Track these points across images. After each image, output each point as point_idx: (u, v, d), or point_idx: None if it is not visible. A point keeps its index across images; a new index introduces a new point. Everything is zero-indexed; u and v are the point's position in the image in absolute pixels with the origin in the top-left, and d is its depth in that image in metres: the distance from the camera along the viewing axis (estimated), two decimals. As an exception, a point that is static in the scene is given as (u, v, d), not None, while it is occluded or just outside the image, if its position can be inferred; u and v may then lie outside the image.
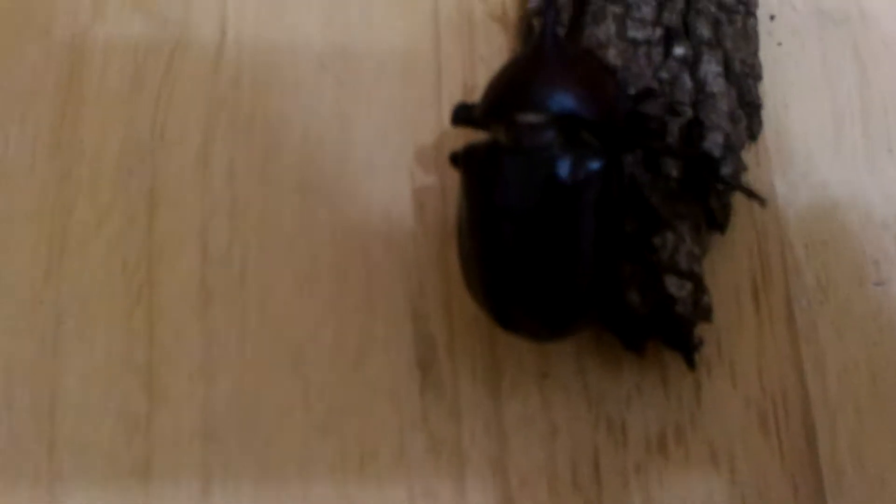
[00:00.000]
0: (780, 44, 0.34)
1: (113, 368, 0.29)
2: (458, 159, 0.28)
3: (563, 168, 0.25)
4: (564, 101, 0.26)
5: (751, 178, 0.32)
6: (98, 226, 0.31)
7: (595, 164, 0.26)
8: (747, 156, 0.32)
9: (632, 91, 0.30)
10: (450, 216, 0.31)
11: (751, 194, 0.28)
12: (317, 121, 0.32)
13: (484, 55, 0.33)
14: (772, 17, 0.35)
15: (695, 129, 0.30)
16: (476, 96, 0.28)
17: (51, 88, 0.32)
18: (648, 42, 0.31)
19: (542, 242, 0.26)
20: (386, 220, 0.31)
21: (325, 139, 0.32)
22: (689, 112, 0.30)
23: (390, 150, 0.32)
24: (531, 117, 0.26)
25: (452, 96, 0.32)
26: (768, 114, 0.33)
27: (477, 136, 0.28)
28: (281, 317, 0.30)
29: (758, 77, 0.32)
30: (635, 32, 0.31)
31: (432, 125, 0.32)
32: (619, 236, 0.27)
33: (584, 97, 0.26)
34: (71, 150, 0.31)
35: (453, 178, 0.29)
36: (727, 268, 0.31)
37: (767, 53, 0.34)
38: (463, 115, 0.28)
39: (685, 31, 0.31)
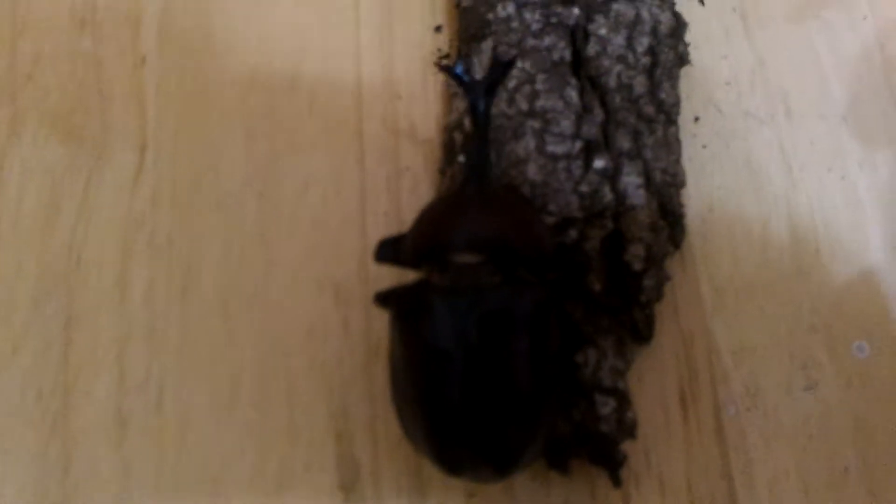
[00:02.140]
0: (704, 146, 0.35)
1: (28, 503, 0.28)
2: (387, 300, 0.27)
3: (504, 304, 0.25)
4: (500, 239, 0.26)
5: (676, 286, 0.32)
6: (13, 353, 0.30)
7: (535, 298, 0.26)
8: (672, 263, 0.32)
9: (552, 219, 0.29)
10: (374, 336, 0.31)
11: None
12: (238, 238, 0.32)
13: (409, 167, 0.33)
14: (696, 119, 0.35)
15: (616, 240, 0.30)
16: (399, 215, 0.28)
17: (-36, 215, 0.31)
18: (568, 156, 0.31)
19: (486, 381, 0.25)
20: (309, 340, 0.31)
21: (246, 258, 0.32)
22: (610, 225, 0.30)
23: (314, 269, 0.32)
24: (468, 258, 0.26)
25: (377, 213, 0.32)
26: (694, 218, 0.33)
27: (402, 272, 0.28)
28: (199, 444, 0.30)
29: (680, 185, 0.32)
30: (555, 147, 0.31)
31: (356, 242, 0.32)
32: (559, 366, 0.27)
33: (518, 234, 0.26)
34: (-15, 279, 0.31)
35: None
36: (654, 377, 0.31)
37: (692, 156, 0.34)
38: (389, 254, 0.28)
39: (605, 144, 0.31)
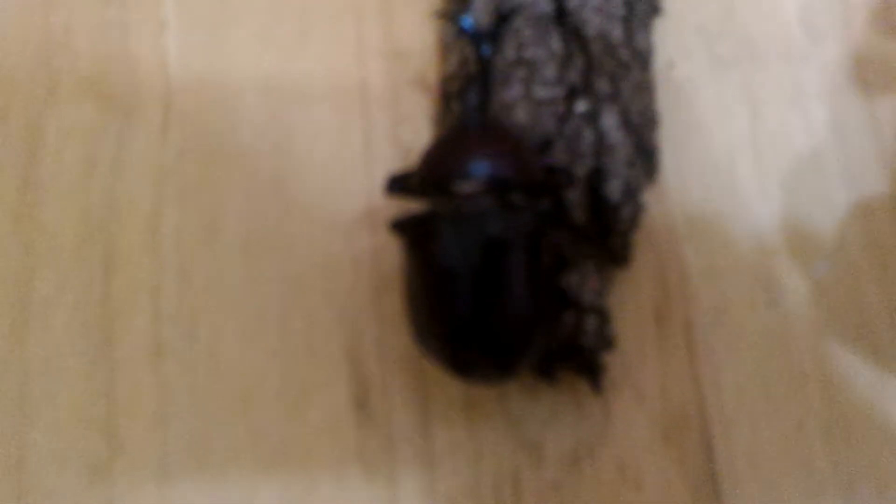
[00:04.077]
0: (677, 88, 0.37)
1: (75, 421, 0.32)
2: (401, 227, 0.31)
3: (500, 228, 0.29)
4: (494, 169, 0.29)
5: (651, 215, 0.35)
6: (59, 292, 0.34)
7: (528, 221, 0.29)
8: (649, 195, 0.35)
9: (535, 145, 0.33)
10: (382, 269, 0.34)
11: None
12: (256, 186, 0.35)
13: (408, 116, 0.36)
14: (669, 64, 0.38)
15: (597, 175, 0.34)
16: (401, 161, 0.33)
17: (9, 170, 0.35)
18: (553, 100, 0.34)
19: (488, 294, 0.29)
20: (324, 275, 0.34)
21: (265, 203, 0.35)
22: (590, 162, 0.34)
23: (326, 211, 0.35)
24: (468, 186, 0.29)
25: (379, 161, 0.35)
26: (667, 155, 0.36)
27: (407, 206, 0.31)
28: (229, 367, 0.33)
29: (655, 125, 0.35)
30: (540, 92, 0.34)
31: (362, 185, 0.35)
32: (552, 281, 0.31)
33: (509, 164, 0.30)
34: (32, 224, 0.35)
35: (383, 234, 0.32)
36: (631, 297, 0.34)
37: (666, 99, 0.37)
38: (397, 186, 0.31)
39: (586, 89, 0.35)
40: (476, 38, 0.31)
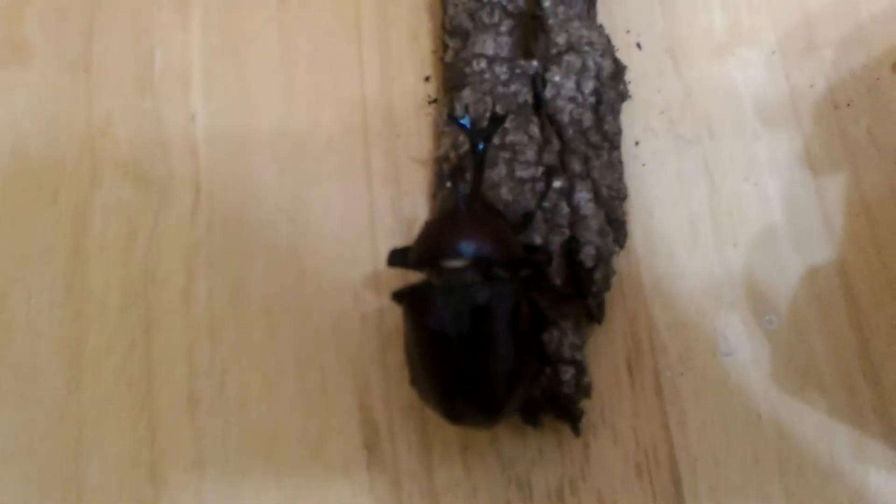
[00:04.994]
0: (643, 164, 0.42)
1: (124, 465, 0.37)
2: (400, 297, 0.35)
3: (485, 297, 0.33)
4: (479, 248, 0.33)
5: (622, 277, 0.40)
6: (106, 352, 0.38)
7: (507, 291, 0.33)
8: (619, 260, 0.39)
9: (518, 219, 0.38)
10: (386, 326, 0.38)
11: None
12: (276, 254, 0.39)
13: (408, 191, 0.41)
14: (636, 143, 0.43)
15: (572, 244, 0.38)
16: (402, 230, 0.37)
17: (61, 246, 0.39)
18: (533, 179, 0.38)
19: (475, 353, 0.32)
20: (336, 332, 0.38)
21: (283, 270, 0.39)
22: (567, 232, 0.39)
23: (337, 276, 0.39)
24: (455, 263, 0.33)
25: (383, 231, 0.40)
26: (636, 223, 0.39)
27: (407, 273, 0.36)
28: (255, 417, 0.37)
29: (623, 197, 0.40)
30: (521, 172, 0.38)
31: (369, 253, 0.39)
32: (531, 340, 0.34)
33: (493, 243, 0.33)
34: (81, 294, 0.39)
35: (387, 296, 0.36)
36: (606, 349, 0.38)
37: (634, 173, 0.41)
38: (397, 259, 0.35)
39: (562, 168, 0.39)
40: (472, 134, 0.35)
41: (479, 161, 0.33)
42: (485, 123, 0.35)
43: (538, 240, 0.36)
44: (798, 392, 0.37)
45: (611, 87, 0.40)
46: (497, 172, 0.37)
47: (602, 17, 0.41)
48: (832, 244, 0.39)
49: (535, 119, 0.39)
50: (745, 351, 0.37)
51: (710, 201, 0.40)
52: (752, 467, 0.36)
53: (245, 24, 0.43)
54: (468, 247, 0.32)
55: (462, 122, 0.33)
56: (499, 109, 0.38)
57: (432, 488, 0.36)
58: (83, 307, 0.38)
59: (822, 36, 0.42)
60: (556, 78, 0.39)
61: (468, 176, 0.36)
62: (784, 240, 0.39)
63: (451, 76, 0.40)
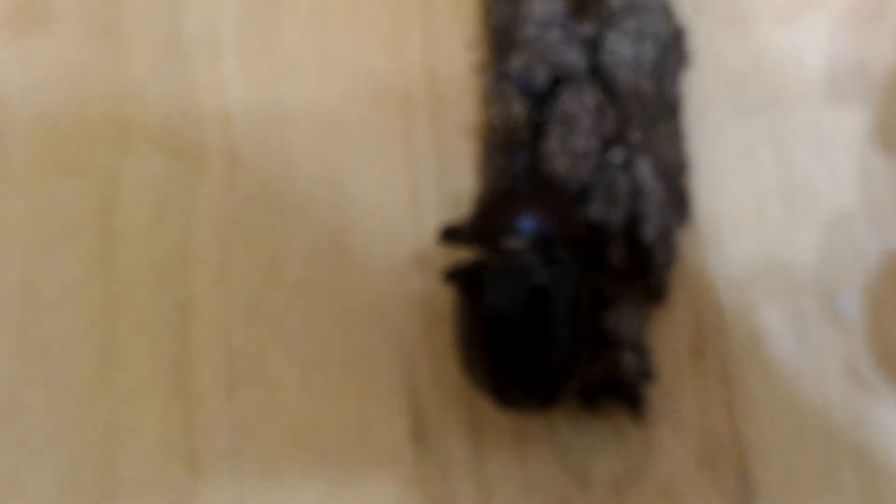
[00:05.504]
0: (706, 136, 0.40)
1: (159, 450, 0.35)
2: (453, 277, 0.33)
3: (543, 279, 0.32)
4: (540, 227, 0.32)
5: (685, 256, 0.37)
6: (139, 333, 0.36)
7: (568, 273, 0.32)
8: (683, 238, 0.37)
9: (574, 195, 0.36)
10: (433, 308, 0.36)
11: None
12: (315, 231, 0.38)
13: (453, 165, 0.39)
14: (698, 113, 0.40)
15: (632, 220, 0.36)
16: (446, 208, 0.36)
17: (90, 222, 0.38)
18: (589, 152, 0.36)
19: (532, 336, 0.32)
20: (380, 314, 0.36)
21: (323, 250, 0.37)
22: (626, 208, 0.36)
23: (379, 253, 0.37)
24: (515, 242, 0.32)
25: (427, 206, 0.38)
26: (699, 200, 0.38)
27: (452, 251, 0.34)
28: (294, 402, 0.35)
29: (685, 171, 0.38)
30: (577, 144, 0.37)
31: (411, 230, 0.38)
32: (589, 323, 0.33)
33: (555, 221, 0.32)
34: (111, 272, 0.37)
35: (434, 276, 0.34)
36: (668, 334, 0.36)
37: (695, 145, 0.39)
38: (449, 237, 0.34)
39: (619, 139, 0.37)
40: (532, 99, 0.33)
41: (539, 130, 0.31)
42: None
43: (596, 216, 0.34)
44: (874, 380, 0.36)
45: (671, 52, 0.37)
46: (550, 145, 0.35)
47: (661, -23, 0.39)
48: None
49: (590, 87, 0.37)
50: (817, 337, 0.36)
51: (778, 177, 0.38)
52: (825, 459, 0.35)
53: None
54: (529, 225, 0.31)
55: (523, 83, 0.31)
56: (561, 74, 0.35)
57: (484, 479, 0.35)
58: (113, 287, 0.37)
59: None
60: (613, 43, 0.37)
61: (523, 148, 0.34)
62: (858, 219, 0.37)
63: (500, 41, 0.38)
